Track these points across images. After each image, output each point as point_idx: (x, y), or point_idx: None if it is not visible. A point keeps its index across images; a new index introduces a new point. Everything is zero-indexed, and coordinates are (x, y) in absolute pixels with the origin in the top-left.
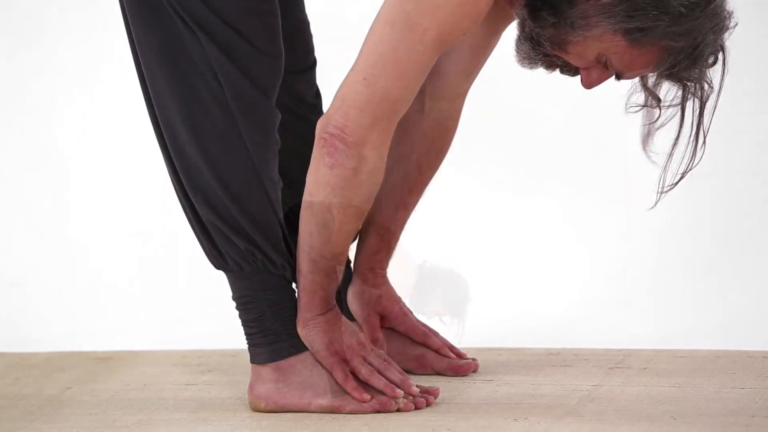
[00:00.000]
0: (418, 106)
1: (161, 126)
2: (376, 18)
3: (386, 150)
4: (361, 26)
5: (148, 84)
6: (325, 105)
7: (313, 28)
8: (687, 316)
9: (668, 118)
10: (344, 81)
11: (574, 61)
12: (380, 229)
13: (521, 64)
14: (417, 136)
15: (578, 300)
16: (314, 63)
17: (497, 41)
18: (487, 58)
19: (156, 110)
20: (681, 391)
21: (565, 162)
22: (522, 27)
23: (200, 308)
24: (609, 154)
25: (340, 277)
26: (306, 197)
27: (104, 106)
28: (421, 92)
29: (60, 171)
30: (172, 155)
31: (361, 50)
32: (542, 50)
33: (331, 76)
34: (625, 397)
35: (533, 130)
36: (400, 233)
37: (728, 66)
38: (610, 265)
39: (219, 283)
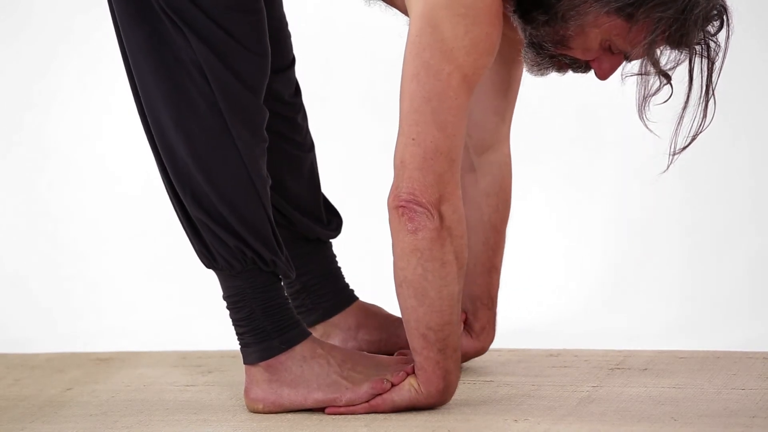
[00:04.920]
0: (468, 166)
1: (150, 124)
2: (401, 78)
3: (459, 200)
4: (339, 22)
5: (136, 82)
6: (305, 100)
7: (292, 26)
8: (687, 317)
9: (663, 85)
10: (396, 148)
11: (580, 56)
12: (483, 299)
13: (531, 72)
14: (480, 197)
15: (578, 301)
16: (293, 61)
17: (519, 75)
18: (515, 95)
19: (145, 108)
20: (681, 392)
21: (565, 161)
22: (523, 34)
23: (200, 309)
24: (608, 151)
25: (459, 353)
26: (397, 273)
27: (103, 106)
28: (465, 151)
29: (61, 171)
30: (161, 153)
31: (400, 112)
32: (546, 53)
33: (310, 72)
34: (625, 398)
35: (532, 130)
36: (497, 294)
37: (732, 27)
38: (611, 266)
39: (219, 283)
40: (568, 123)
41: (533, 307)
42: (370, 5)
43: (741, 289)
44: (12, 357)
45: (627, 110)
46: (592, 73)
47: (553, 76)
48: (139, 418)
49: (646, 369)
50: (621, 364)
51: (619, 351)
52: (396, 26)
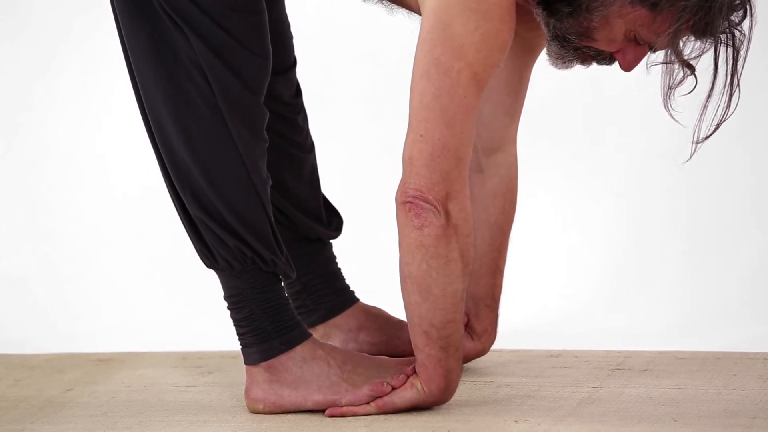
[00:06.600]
0: (476, 166)
1: (151, 123)
2: (412, 74)
3: (466, 199)
4: (339, 22)
5: (137, 81)
6: (305, 101)
7: (292, 27)
8: (687, 317)
9: (687, 76)
10: (405, 144)
11: (605, 47)
12: (486, 300)
13: (555, 65)
14: (487, 198)
15: (579, 301)
16: (294, 63)
17: (529, 76)
18: (524, 96)
19: (145, 107)
20: (682, 393)
21: (564, 160)
22: (546, 28)
23: (201, 309)
24: (609, 152)
25: (461, 352)
26: (403, 268)
27: (103, 106)
28: (474, 151)
29: (61, 171)
30: (162, 152)
31: (409, 109)
32: (571, 45)
33: (310, 73)
34: (625, 399)
35: (534, 132)
36: (500, 296)
37: (755, 16)
38: (611, 266)
39: (219, 284)
40: (569, 124)
41: (534, 307)
42: (393, 14)
43: (741, 290)
44: (12, 357)
45: (629, 112)
46: (604, 69)
47: (559, 77)
48: (140, 419)
49: (646, 370)
50: (621, 365)
51: (620, 352)
52: (396, 26)
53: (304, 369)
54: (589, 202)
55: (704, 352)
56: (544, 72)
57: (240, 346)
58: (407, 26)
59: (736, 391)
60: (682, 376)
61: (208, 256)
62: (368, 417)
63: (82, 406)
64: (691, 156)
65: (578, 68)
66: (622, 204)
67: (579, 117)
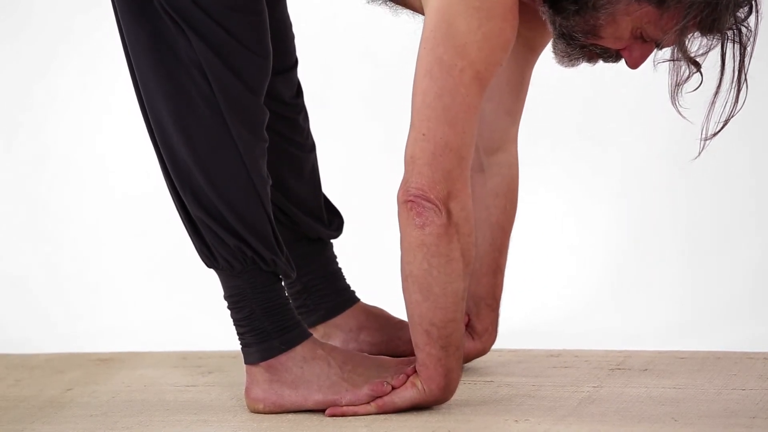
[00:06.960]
0: (477, 166)
1: (151, 123)
2: (415, 72)
3: (468, 198)
4: (339, 22)
5: (138, 81)
6: (306, 101)
7: (295, 28)
8: (687, 317)
9: (693, 73)
10: (407, 142)
11: (611, 45)
12: (487, 300)
13: (561, 63)
14: (488, 197)
15: (579, 301)
16: (295, 63)
17: (530, 75)
18: (525, 96)
19: (146, 107)
20: (682, 393)
21: (565, 159)
22: (553, 26)
23: (200, 309)
24: (609, 152)
25: (461, 351)
26: (404, 267)
27: (103, 106)
28: (476, 151)
29: (61, 171)
30: (162, 152)
31: (411, 107)
32: (577, 43)
33: (310, 73)
34: (625, 399)
35: (532, 132)
36: (501, 295)
37: (761, 12)
38: (611, 266)
39: (219, 284)
40: (569, 124)
41: (534, 307)
42: (397, 15)
43: (741, 290)
44: (12, 357)
45: (630, 112)
46: (605, 68)
47: (560, 76)
48: (140, 419)
49: (646, 369)
50: (621, 365)
51: (620, 351)
52: (396, 26)
53: (304, 369)
54: (589, 202)
55: (704, 352)
56: (545, 71)
57: (240, 346)
58: (407, 26)
59: (736, 391)
60: (682, 376)
61: (209, 255)
62: (368, 417)
63: (82, 406)
64: (699, 153)
65: (579, 67)
66: (622, 204)
67: (579, 116)
